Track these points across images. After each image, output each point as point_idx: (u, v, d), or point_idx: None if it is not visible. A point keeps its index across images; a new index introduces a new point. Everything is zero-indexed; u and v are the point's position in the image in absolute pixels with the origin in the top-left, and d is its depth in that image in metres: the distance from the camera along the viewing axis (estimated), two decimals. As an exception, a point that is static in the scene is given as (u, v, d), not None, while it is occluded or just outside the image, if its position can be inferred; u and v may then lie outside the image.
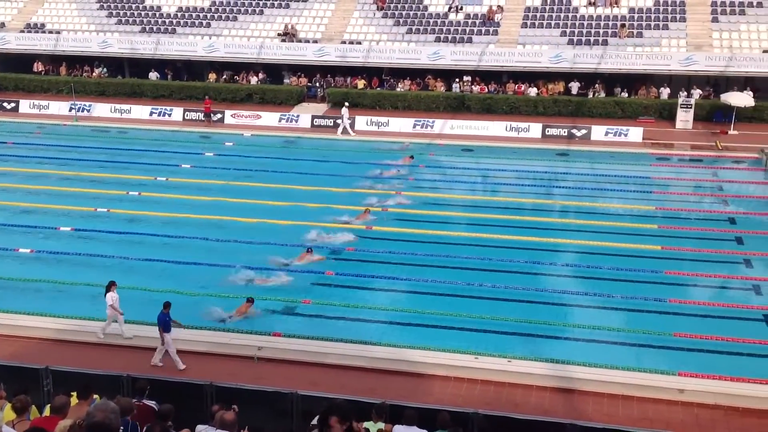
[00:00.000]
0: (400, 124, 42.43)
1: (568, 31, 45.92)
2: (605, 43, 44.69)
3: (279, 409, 14.25)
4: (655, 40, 44.47)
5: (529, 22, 46.80)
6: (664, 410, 16.52)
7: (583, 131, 40.43)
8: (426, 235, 26.90)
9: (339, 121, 42.07)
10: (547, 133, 40.66)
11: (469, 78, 46.07)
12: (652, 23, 45.33)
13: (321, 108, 46.08)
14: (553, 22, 46.47)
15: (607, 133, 40.02)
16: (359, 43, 47.67)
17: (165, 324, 17.96)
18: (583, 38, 45.30)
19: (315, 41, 48.48)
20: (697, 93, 43.00)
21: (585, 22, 46.16)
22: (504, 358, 18.47)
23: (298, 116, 44.21)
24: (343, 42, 47.96)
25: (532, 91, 44.97)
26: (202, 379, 15.13)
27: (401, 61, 46.38)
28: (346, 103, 42.47)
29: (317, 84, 47.90)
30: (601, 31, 45.49)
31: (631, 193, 32.08)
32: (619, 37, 44.82)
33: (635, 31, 45.06)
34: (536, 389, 17.36)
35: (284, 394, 14.22)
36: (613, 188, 32.58)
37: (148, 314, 19.69)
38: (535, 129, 40.89)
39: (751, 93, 41.35)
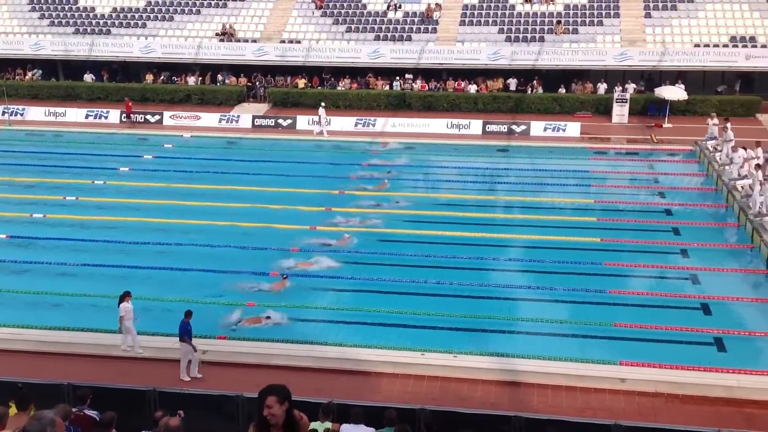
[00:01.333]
0: (342, 123, 42.37)
1: (505, 28, 46.42)
2: (542, 39, 45.30)
3: (225, 413, 14.12)
4: (590, 36, 45.27)
5: (467, 20, 47.17)
6: (606, 399, 16.86)
7: (523, 127, 40.94)
8: (369, 233, 26.93)
9: (316, 120, 41.58)
10: (487, 130, 41.07)
11: (410, 76, 46.27)
12: (587, 19, 46.11)
13: (262, 108, 45.75)
14: (490, 20, 46.92)
15: (545, 129, 40.60)
16: (299, 42, 47.45)
17: (187, 333, 17.69)
18: (521, 35, 45.86)
19: (254, 41, 48.08)
20: (631, 87, 43.89)
21: (522, 19, 46.72)
22: (450, 354, 18.63)
23: (238, 117, 43.82)
24: (283, 41, 47.69)
25: (472, 88, 45.37)
26: (145, 385, 14.89)
27: (341, 60, 46.32)
28: (323, 103, 42.07)
29: (257, 84, 47.53)
30: (538, 28, 46.10)
31: (570, 186, 32.61)
32: (555, 33, 45.49)
33: (571, 28, 45.80)
34: (482, 383, 17.53)
35: (230, 397, 14.10)
36: (553, 182, 33.05)
37: (88, 320, 19.33)
38: (475, 126, 41.28)
39: (683, 86, 42.37)
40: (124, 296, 18.74)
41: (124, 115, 43.70)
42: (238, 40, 48.15)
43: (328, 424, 11.35)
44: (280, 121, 43.09)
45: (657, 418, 15.92)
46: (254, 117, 43.65)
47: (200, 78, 48.28)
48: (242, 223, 27.61)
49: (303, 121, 42.50)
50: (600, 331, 20.01)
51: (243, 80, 47.90)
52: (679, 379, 17.47)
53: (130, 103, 43.88)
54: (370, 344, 19.11)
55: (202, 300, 21.35)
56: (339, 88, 46.48)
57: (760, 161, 29.24)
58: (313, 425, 11.20)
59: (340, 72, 47.09)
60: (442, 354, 18.66)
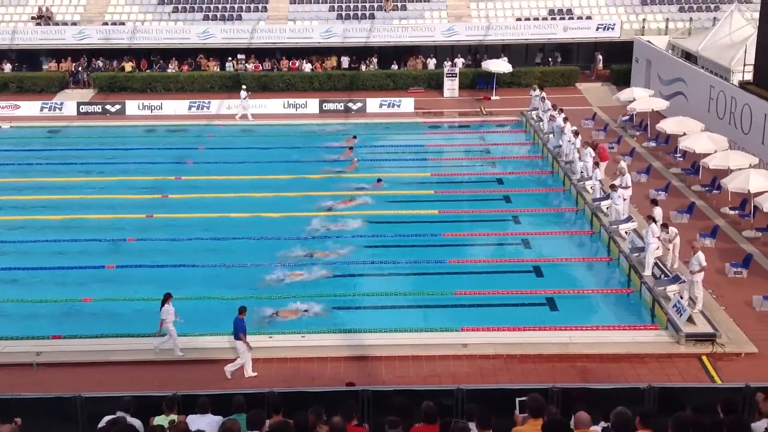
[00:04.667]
0: (175, 107, 41.02)
1: (336, 5, 46.52)
2: (372, 17, 45.76)
3: (63, 415, 13.45)
4: (419, 13, 46.20)
5: (297, -2, 46.89)
6: (450, 365, 17.42)
7: (359, 104, 41.25)
8: (201, 219, 26.29)
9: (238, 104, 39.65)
10: (324, 108, 41.07)
11: (243, 56, 45.48)
12: (415, -4, 46.99)
13: (87, 94, 43.59)
14: (321, -2, 46.86)
15: (381, 105, 41.08)
16: (122, 23, 45.55)
17: (242, 330, 16.85)
18: (351, 12, 46.11)
19: (74, 23, 45.70)
20: (460, 62, 45.19)
21: (352, -3, 46.98)
22: (298, 334, 18.67)
23: (62, 104, 41.47)
24: (105, 23, 45.62)
25: (307, 67, 45.20)
26: (-27, 395, 13.96)
27: (170, 42, 44.86)
28: (244, 86, 40.19)
29: (80, 69, 45.19)
30: (368, 5, 46.50)
31: (407, 161, 33.20)
32: (385, 10, 46.09)
33: (399, 5, 46.51)
34: (331, 360, 17.68)
35: (67, 398, 13.46)
36: (391, 158, 33.52)
37: None
38: (312, 104, 41.16)
39: (506, 59, 44.04)
40: (166, 298, 17.74)
41: None
42: (57, 23, 45.59)
43: (173, 417, 11.06)
44: (108, 107, 41.17)
45: (498, 378, 16.64)
46: (79, 104, 41.46)
47: (17, 65, 45.40)
48: (78, 216, 26.34)
49: (133, 106, 40.80)
50: (442, 300, 20.67)
51: (65, 65, 45.40)
52: (517, 340, 18.35)
53: None
54: (214, 332, 18.77)
55: (38, 298, 20.29)
56: (169, 70, 45.01)
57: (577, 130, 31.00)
58: (158, 420, 10.90)
59: (169, 54, 45.57)
60: (290, 335, 18.69)
